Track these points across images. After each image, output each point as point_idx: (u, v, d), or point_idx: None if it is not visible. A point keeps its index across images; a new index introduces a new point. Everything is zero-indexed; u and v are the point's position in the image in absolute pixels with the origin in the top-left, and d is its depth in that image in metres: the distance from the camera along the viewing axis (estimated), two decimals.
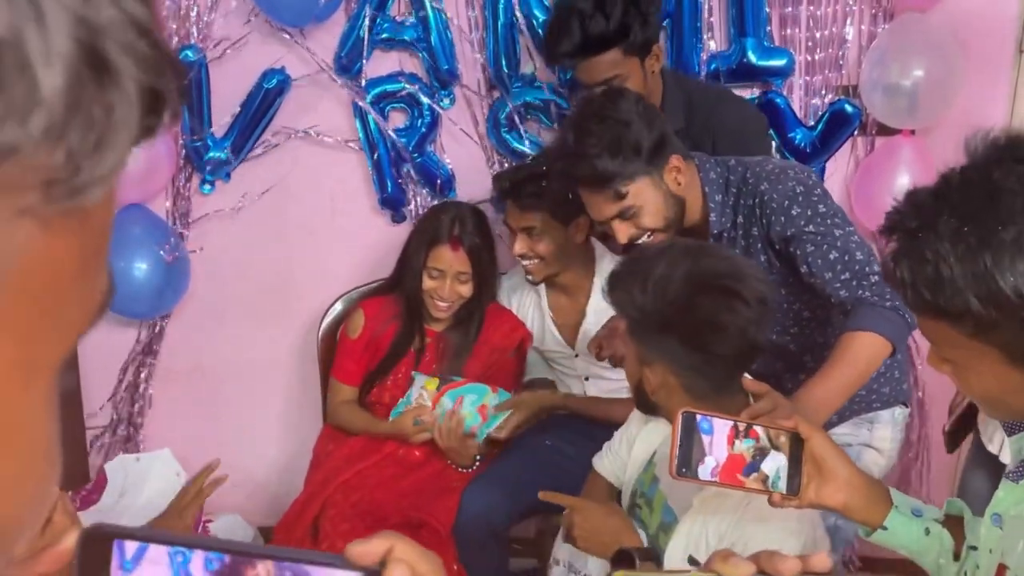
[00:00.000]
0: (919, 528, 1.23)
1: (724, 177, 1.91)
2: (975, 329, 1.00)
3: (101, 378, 2.83)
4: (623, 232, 1.87)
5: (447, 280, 2.27)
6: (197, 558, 0.51)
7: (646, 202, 1.85)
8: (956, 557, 1.22)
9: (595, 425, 2.20)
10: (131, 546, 0.52)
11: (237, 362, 2.85)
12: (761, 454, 1.20)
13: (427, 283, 2.29)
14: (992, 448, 1.88)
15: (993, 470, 1.85)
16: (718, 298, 1.39)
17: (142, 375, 2.83)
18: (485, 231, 2.33)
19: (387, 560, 0.51)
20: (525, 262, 2.26)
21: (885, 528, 1.22)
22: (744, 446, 1.19)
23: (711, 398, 1.44)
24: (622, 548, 1.52)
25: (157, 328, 2.80)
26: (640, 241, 1.88)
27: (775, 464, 1.21)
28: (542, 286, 2.39)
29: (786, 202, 1.80)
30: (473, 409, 2.26)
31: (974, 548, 1.19)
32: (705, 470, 1.18)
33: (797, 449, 1.21)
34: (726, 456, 1.18)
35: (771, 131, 2.53)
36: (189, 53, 2.54)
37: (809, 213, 1.79)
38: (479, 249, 2.29)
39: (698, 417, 1.17)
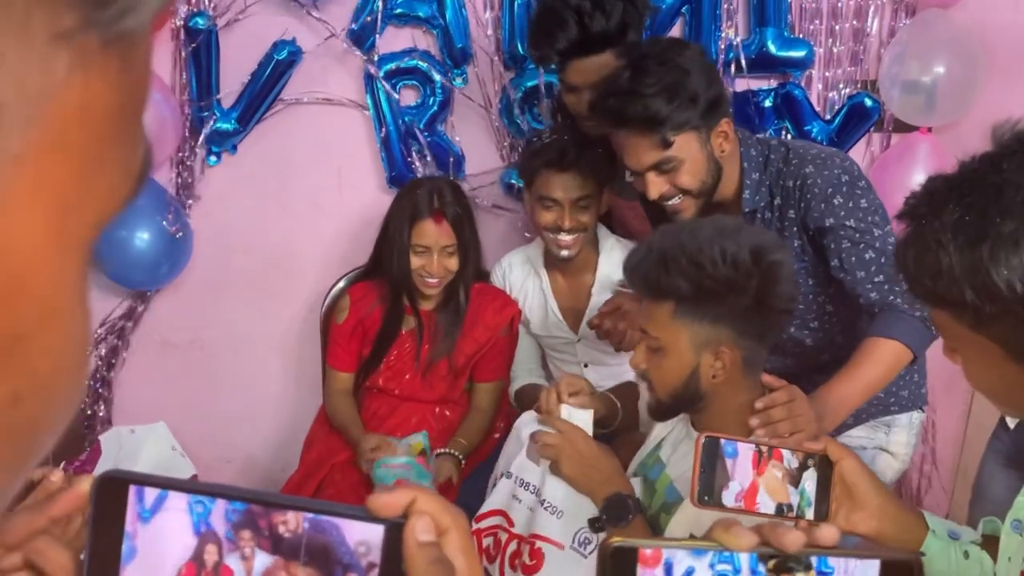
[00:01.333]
0: (958, 552, 1.18)
1: (764, 155, 1.85)
2: (974, 321, 0.98)
3: (96, 347, 2.80)
4: (656, 187, 1.81)
5: (434, 255, 2.22)
6: (218, 508, 0.50)
7: (689, 158, 1.78)
8: None
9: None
10: (151, 494, 0.50)
11: (236, 337, 2.82)
12: (787, 478, 1.14)
13: (414, 262, 2.24)
14: (1009, 420, 1.85)
15: (1015, 471, 1.84)
16: (778, 251, 1.44)
17: (138, 346, 2.79)
18: (464, 202, 2.29)
19: (409, 512, 0.50)
20: (569, 237, 2.18)
21: (923, 554, 1.16)
22: (769, 470, 1.13)
23: (756, 369, 1.49)
24: (618, 493, 1.49)
25: (154, 299, 2.76)
26: (669, 203, 1.82)
27: (802, 488, 1.14)
28: (543, 270, 2.36)
29: (829, 189, 1.76)
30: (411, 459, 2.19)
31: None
32: (729, 496, 1.12)
33: (825, 472, 1.15)
34: (750, 481, 1.12)
35: (787, 123, 2.51)
36: (199, 20, 2.49)
37: (851, 205, 1.75)
38: (461, 219, 2.24)
39: (722, 441, 1.12)
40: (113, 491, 0.50)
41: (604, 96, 1.82)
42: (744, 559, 0.56)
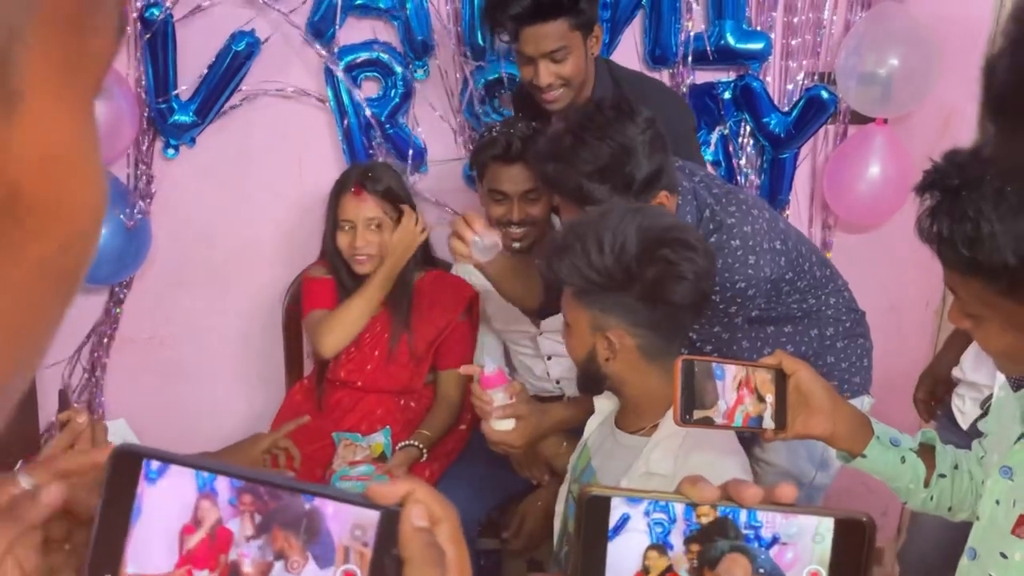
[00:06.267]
0: (895, 457, 1.30)
1: (696, 222, 1.83)
2: (1008, 286, 1.04)
3: (53, 344, 2.75)
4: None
5: (358, 230, 2.22)
6: (223, 476, 0.53)
7: None
8: (926, 484, 1.32)
9: None
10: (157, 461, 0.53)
11: (197, 331, 2.79)
12: (757, 395, 1.23)
13: (340, 240, 2.23)
14: (961, 421, 1.94)
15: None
16: (676, 248, 1.43)
17: (99, 343, 2.75)
18: (399, 181, 2.30)
19: (405, 501, 0.53)
20: (519, 229, 2.20)
21: (864, 456, 1.29)
22: (741, 390, 1.22)
23: (662, 357, 1.49)
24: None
25: (115, 295, 2.73)
26: None
27: (766, 402, 1.24)
28: None
29: (729, 294, 1.78)
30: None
31: (943, 476, 1.31)
32: (715, 413, 1.20)
33: (781, 385, 1.25)
34: (732, 400, 1.20)
35: (745, 115, 2.53)
36: (154, 11, 2.45)
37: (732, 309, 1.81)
38: (390, 194, 2.24)
39: (702, 365, 1.19)
40: (127, 464, 0.52)
41: (545, 156, 1.81)
42: (679, 508, 0.59)
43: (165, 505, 0.52)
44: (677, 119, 2.08)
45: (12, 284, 0.29)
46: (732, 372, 1.20)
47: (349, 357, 2.36)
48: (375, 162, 2.44)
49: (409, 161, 2.58)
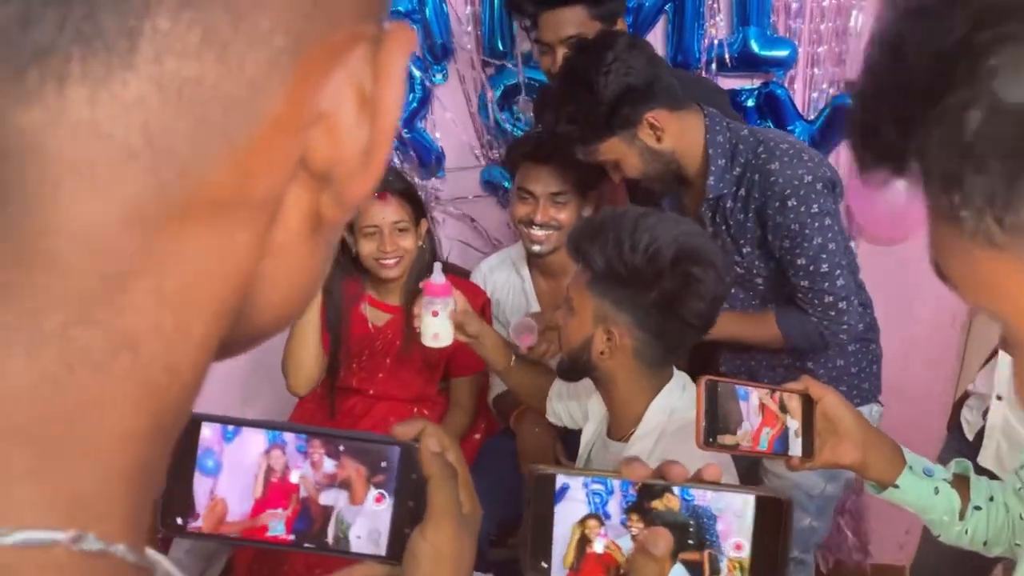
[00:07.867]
0: (929, 487, 1.23)
1: (732, 144, 1.85)
2: None
3: None
4: (615, 175, 1.91)
5: (385, 234, 2.15)
6: (286, 431, 0.66)
7: (622, 157, 1.84)
8: (961, 516, 1.23)
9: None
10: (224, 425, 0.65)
11: None
12: (781, 419, 1.17)
13: (366, 247, 2.17)
14: (968, 431, 1.88)
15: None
16: (706, 268, 1.44)
17: None
18: (410, 183, 2.25)
19: (420, 436, 0.69)
20: (541, 232, 2.15)
21: (897, 487, 1.21)
22: (765, 412, 1.15)
23: (655, 367, 1.51)
24: None
25: None
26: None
27: (791, 427, 1.18)
28: (525, 270, 2.32)
29: (788, 190, 1.77)
30: None
31: (978, 508, 1.23)
32: (737, 437, 1.14)
33: (808, 410, 1.18)
34: (757, 423, 1.15)
35: (769, 123, 2.49)
36: None
37: (802, 209, 1.77)
38: (409, 195, 2.18)
39: (723, 386, 1.13)
40: (189, 428, 0.62)
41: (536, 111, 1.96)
42: (616, 482, 0.69)
43: (241, 457, 0.65)
44: (715, 96, 2.14)
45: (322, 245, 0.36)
46: (756, 394, 1.14)
47: (361, 365, 2.32)
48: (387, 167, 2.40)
49: (432, 166, 2.55)
